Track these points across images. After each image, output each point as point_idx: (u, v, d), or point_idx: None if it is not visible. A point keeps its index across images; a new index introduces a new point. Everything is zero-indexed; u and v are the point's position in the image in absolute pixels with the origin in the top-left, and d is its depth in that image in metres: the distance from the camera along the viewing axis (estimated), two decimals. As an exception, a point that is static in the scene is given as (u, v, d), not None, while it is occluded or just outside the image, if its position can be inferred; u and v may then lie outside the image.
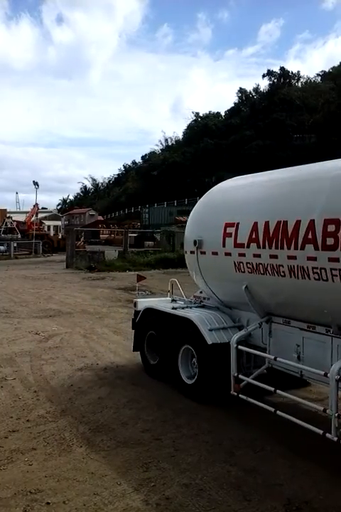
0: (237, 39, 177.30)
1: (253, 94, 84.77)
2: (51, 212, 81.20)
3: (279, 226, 5.67)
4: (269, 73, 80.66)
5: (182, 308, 7.61)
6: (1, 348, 9.77)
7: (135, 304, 8.56)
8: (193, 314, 7.15)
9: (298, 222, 5.43)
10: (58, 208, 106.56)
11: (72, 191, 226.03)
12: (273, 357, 5.94)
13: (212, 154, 72.02)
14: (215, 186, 7.85)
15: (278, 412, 5.56)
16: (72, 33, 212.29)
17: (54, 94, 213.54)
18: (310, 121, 67.10)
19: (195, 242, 7.21)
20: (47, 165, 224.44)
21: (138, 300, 8.60)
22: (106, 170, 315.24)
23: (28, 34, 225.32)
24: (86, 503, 4.37)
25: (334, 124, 58.63)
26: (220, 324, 6.88)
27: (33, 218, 51.62)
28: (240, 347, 6.27)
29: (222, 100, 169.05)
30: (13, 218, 55.73)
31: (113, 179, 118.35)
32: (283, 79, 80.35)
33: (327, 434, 4.88)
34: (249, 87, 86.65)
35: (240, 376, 6.20)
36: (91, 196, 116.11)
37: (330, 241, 5.03)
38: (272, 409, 5.65)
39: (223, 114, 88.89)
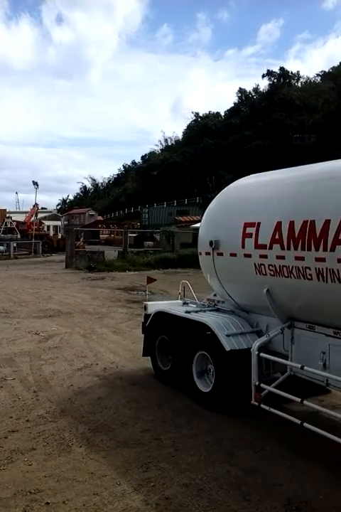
0: (237, 39, 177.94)
1: (253, 94, 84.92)
2: (51, 212, 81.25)
3: (306, 226, 5.32)
4: (269, 73, 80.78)
5: (196, 311, 7.30)
6: (1, 348, 9.76)
7: (145, 308, 8.22)
8: (209, 319, 6.79)
9: (327, 222, 5.09)
10: (58, 208, 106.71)
11: (71, 191, 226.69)
12: (299, 366, 5.53)
13: (211, 154, 72.08)
14: (231, 184, 7.43)
15: (305, 424, 5.17)
16: (72, 33, 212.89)
17: (53, 94, 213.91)
18: (310, 121, 67.16)
19: (211, 243, 6.86)
20: (46, 165, 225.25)
21: (149, 303, 8.27)
22: (106, 170, 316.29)
23: (27, 34, 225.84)
24: (85, 503, 4.37)
25: (334, 124, 58.65)
26: (238, 329, 6.53)
27: (32, 218, 51.60)
28: (262, 354, 5.91)
29: (221, 100, 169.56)
30: (13, 218, 55.80)
31: (112, 179, 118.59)
32: (282, 79, 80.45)
33: None
34: (249, 87, 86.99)
35: (262, 385, 5.82)
36: (91, 196, 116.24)
37: None
38: (298, 422, 5.27)
39: (223, 114, 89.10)
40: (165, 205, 69.78)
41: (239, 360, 6.19)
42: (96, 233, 54.04)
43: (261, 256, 5.96)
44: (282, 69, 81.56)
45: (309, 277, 5.35)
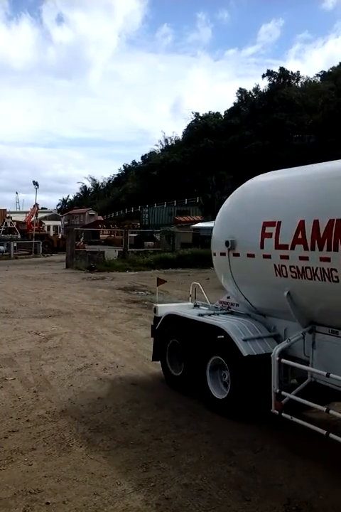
0: (237, 39, 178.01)
1: (253, 94, 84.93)
2: (51, 212, 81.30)
3: (332, 225, 5.04)
4: (269, 73, 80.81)
5: (209, 314, 7.02)
6: (1, 348, 9.76)
7: (155, 310, 7.91)
8: (224, 322, 6.49)
9: None
10: (58, 208, 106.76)
11: (71, 191, 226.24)
12: (324, 373, 5.25)
13: (211, 154, 72.13)
14: (247, 182, 7.12)
15: (331, 434, 4.93)
16: (72, 32, 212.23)
17: (53, 94, 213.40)
18: (310, 121, 67.22)
19: (226, 243, 6.53)
20: (46, 165, 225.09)
21: (159, 305, 7.95)
22: (106, 170, 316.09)
23: (27, 34, 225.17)
24: (86, 503, 4.37)
25: (333, 124, 58.68)
26: (255, 334, 6.25)
27: (32, 218, 51.63)
28: (283, 360, 5.62)
29: (221, 100, 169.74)
30: (13, 218, 55.79)
31: (113, 179, 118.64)
32: (282, 79, 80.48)
33: None
34: (249, 87, 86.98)
35: (282, 392, 5.53)
36: (91, 196, 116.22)
37: None
38: (323, 432, 5.02)
39: (223, 114, 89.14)
40: (165, 205, 69.85)
41: (256, 366, 5.93)
42: (97, 233, 54.06)
43: (282, 257, 5.67)
44: (282, 69, 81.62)
45: (335, 279, 5.08)
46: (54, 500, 4.40)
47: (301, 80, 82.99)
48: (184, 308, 7.65)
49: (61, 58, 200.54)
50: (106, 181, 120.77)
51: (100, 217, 73.51)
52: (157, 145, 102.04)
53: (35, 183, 47.37)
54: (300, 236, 5.41)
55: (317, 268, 5.27)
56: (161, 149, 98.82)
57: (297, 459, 5.21)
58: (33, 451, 5.38)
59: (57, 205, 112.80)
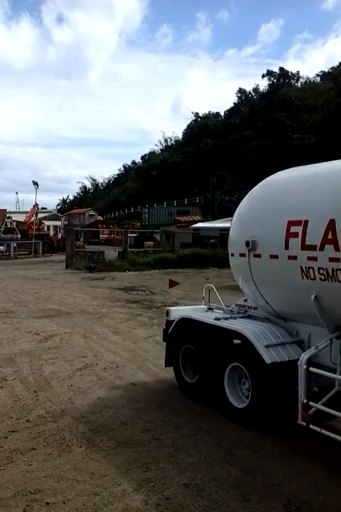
0: (237, 39, 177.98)
1: (253, 94, 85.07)
2: (51, 212, 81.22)
3: None
4: (269, 73, 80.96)
5: (226, 318, 6.68)
6: (1, 348, 9.76)
7: (167, 313, 7.57)
8: (243, 327, 6.16)
9: None
10: (58, 208, 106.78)
11: (71, 191, 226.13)
12: None
13: (211, 154, 72.20)
14: (267, 180, 6.77)
15: None
16: (72, 32, 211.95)
17: (53, 94, 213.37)
18: (310, 121, 67.25)
19: (247, 244, 6.19)
20: (46, 165, 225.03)
21: (171, 308, 7.65)
22: (106, 170, 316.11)
23: (27, 34, 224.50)
24: (86, 503, 4.37)
25: (333, 125, 58.70)
26: (277, 339, 5.91)
27: (32, 218, 51.61)
28: (311, 369, 5.24)
29: (221, 100, 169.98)
30: (13, 218, 55.76)
31: (112, 179, 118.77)
32: (282, 79, 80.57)
33: None
34: (249, 87, 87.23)
35: (310, 403, 5.18)
36: (91, 196, 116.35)
37: None
38: None
39: (222, 114, 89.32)
40: (165, 205, 69.94)
41: (280, 374, 5.60)
42: (96, 233, 54.10)
43: (310, 258, 5.33)
44: (281, 69, 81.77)
45: None
46: (54, 500, 4.40)
47: (301, 80, 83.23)
48: (198, 312, 7.33)
49: (61, 58, 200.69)
50: (106, 181, 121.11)
51: (100, 218, 73.58)
52: (157, 145, 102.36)
53: (35, 183, 47.39)
54: (330, 236, 5.09)
55: None
56: (161, 149, 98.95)
57: (297, 459, 5.22)
58: (32, 451, 5.38)
59: (57, 205, 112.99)
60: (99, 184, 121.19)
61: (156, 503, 4.38)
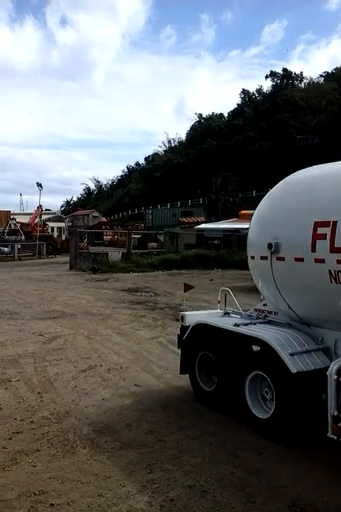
0: (240, 40, 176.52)
1: (257, 95, 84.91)
2: (55, 213, 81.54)
3: None
4: (272, 74, 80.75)
5: (245, 324, 6.37)
6: (5, 350, 9.79)
7: (182, 318, 7.29)
8: (265, 333, 5.86)
9: None
10: (62, 209, 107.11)
11: (75, 193, 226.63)
12: None
13: (215, 155, 72.07)
14: (288, 178, 6.49)
15: None
16: (76, 34, 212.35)
17: (57, 96, 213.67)
18: (314, 122, 67.04)
19: (269, 246, 5.89)
20: (50, 166, 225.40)
21: (186, 313, 7.34)
22: (110, 171, 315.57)
23: (31, 36, 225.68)
24: (90, 504, 4.37)
25: (337, 125, 58.57)
26: (302, 347, 5.61)
27: (36, 220, 51.74)
28: None
29: (225, 101, 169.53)
30: (17, 220, 55.92)
31: (116, 180, 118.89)
32: (286, 80, 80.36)
33: None
34: (252, 88, 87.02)
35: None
36: (95, 198, 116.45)
37: None
38: None
39: (226, 115, 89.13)
40: (168, 207, 69.94)
41: (306, 384, 5.32)
42: (100, 234, 54.08)
43: (339, 261, 5.07)
44: (285, 70, 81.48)
45: None
46: (58, 502, 4.40)
47: (304, 80, 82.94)
48: (214, 317, 7.04)
49: (65, 60, 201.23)
50: (110, 183, 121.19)
51: (104, 219, 73.59)
52: (160, 146, 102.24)
53: (39, 185, 47.50)
54: None
55: None
56: (165, 150, 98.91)
57: (301, 461, 5.20)
58: (37, 452, 5.39)
59: (61, 207, 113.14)
60: (103, 185, 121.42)
61: (160, 504, 4.38)
